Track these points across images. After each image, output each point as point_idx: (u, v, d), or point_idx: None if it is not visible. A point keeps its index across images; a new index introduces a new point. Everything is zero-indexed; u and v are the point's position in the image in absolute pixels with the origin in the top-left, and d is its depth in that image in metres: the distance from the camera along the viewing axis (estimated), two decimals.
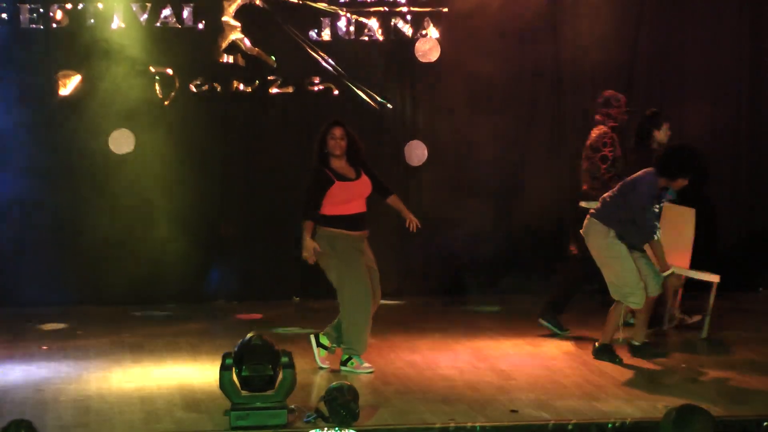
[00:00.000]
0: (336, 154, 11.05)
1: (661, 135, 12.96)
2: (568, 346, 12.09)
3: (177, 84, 14.72)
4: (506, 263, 14.95)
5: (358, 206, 11.04)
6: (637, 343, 11.58)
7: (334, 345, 11.23)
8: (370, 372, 11.02)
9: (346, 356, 11.09)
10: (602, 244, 11.37)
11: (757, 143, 15.32)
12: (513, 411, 9.74)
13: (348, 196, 11.00)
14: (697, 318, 12.78)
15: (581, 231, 11.63)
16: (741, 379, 10.98)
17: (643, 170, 11.51)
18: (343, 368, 11.04)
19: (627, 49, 15.39)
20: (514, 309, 14.10)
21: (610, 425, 9.40)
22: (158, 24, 14.64)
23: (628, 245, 11.32)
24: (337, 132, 11.08)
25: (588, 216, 11.53)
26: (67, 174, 14.10)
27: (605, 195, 11.57)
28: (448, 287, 14.82)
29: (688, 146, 12.00)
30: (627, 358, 11.48)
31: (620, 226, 11.29)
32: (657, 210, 11.37)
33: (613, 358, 11.38)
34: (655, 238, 11.29)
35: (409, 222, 11.23)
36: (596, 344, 11.47)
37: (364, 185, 11.12)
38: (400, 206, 11.31)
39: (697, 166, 11.61)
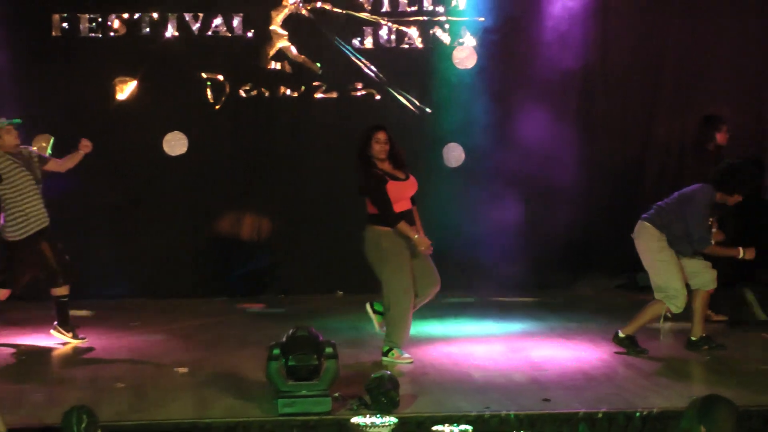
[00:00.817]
0: (380, 158, 11.01)
1: (721, 137, 12.96)
2: (596, 338, 12.05)
3: (227, 89, 14.77)
4: (536, 260, 14.95)
5: (403, 205, 10.99)
6: (694, 338, 11.53)
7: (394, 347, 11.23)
8: (410, 362, 11.00)
9: (387, 347, 11.10)
10: (653, 248, 11.31)
11: None
12: (545, 400, 9.71)
13: (397, 196, 10.94)
14: (722, 318, 12.74)
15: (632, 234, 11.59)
16: (765, 372, 10.96)
17: (700, 184, 11.44)
18: (384, 359, 11.02)
19: (655, 54, 15.33)
20: (543, 303, 14.09)
21: (637, 414, 9.37)
22: (210, 33, 14.70)
23: (676, 251, 11.29)
24: (381, 136, 11.03)
25: (640, 219, 11.48)
26: (124, 174, 14.15)
27: (661, 201, 11.54)
28: (484, 284, 14.80)
29: (748, 164, 11.99)
30: (653, 350, 11.46)
31: (672, 233, 11.26)
32: (710, 222, 11.33)
33: (638, 350, 11.34)
34: (706, 249, 11.33)
35: (421, 245, 11.01)
36: (620, 333, 11.42)
37: (411, 186, 11.08)
38: (417, 224, 11.14)
39: (754, 184, 11.61)
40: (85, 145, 12.10)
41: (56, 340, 11.98)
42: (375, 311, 11.25)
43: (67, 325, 11.94)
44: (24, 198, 11.77)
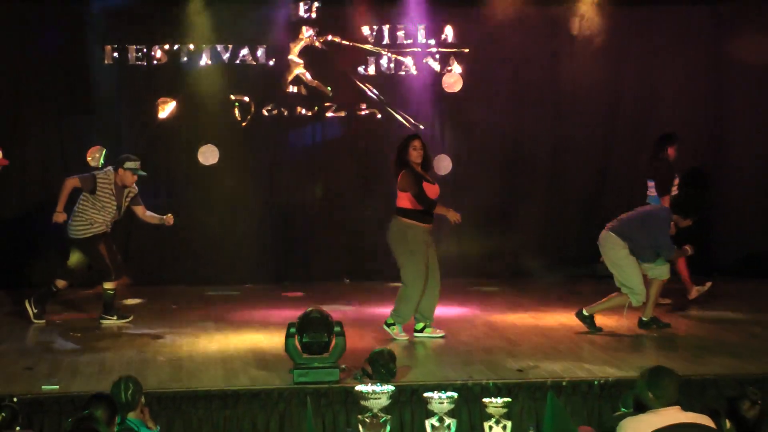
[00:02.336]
0: (417, 162, 10.98)
1: (672, 151, 13.02)
2: (562, 319, 12.03)
3: (252, 109, 14.76)
4: (513, 253, 14.95)
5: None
6: (645, 319, 11.52)
7: (427, 325, 11.19)
8: (405, 340, 10.99)
9: (392, 320, 11.07)
10: (618, 254, 11.34)
11: (720, 159, 15.22)
12: (519, 370, 9.71)
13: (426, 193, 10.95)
14: (667, 301, 12.74)
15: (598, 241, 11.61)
16: (703, 346, 10.95)
17: (660, 207, 11.78)
18: (384, 326, 11.06)
19: (613, 88, 15.34)
20: (518, 289, 14.08)
21: (596, 382, 9.37)
22: (238, 61, 14.68)
23: (638, 256, 11.32)
24: (417, 143, 11.01)
25: (606, 230, 11.49)
26: (167, 182, 14.14)
27: (624, 215, 11.56)
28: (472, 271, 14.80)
29: (702, 194, 12.44)
30: (609, 328, 11.46)
31: (634, 243, 11.29)
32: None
33: (595, 329, 11.35)
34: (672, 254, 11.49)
35: (451, 218, 11.10)
36: (584, 311, 11.42)
37: (436, 189, 11.05)
38: (440, 210, 11.07)
39: (705, 213, 11.86)
40: (169, 220, 11.95)
41: (107, 322, 11.98)
42: (388, 325, 11.19)
43: (112, 310, 11.91)
44: (98, 212, 11.76)
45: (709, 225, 13.47)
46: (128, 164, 11.78)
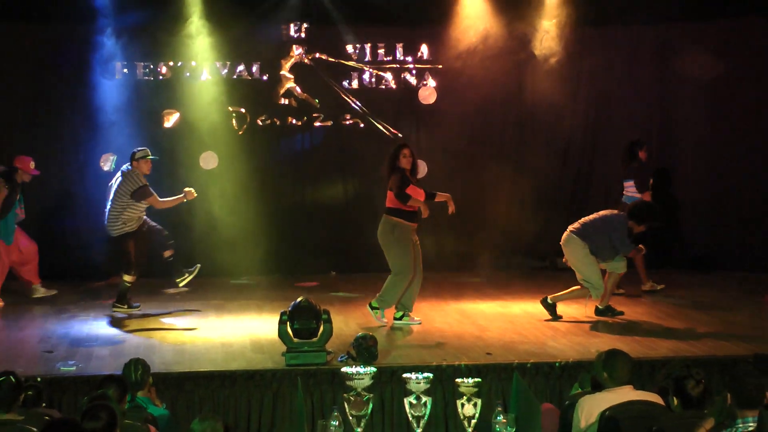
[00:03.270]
0: (406, 168, 10.97)
1: (643, 154, 13.14)
2: (527, 307, 12.04)
3: (248, 119, 14.75)
4: (482, 247, 14.94)
5: (416, 206, 10.94)
6: (601, 307, 11.55)
7: (406, 314, 11.19)
8: (383, 325, 11.00)
9: (376, 304, 11.06)
10: (579, 254, 11.40)
11: (667, 159, 15.27)
12: (488, 354, 9.73)
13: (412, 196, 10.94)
14: (621, 291, 12.77)
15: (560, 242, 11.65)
16: (653, 331, 10.99)
17: (617, 213, 11.69)
18: (369, 308, 11.09)
19: (571, 99, 15.35)
20: (487, 281, 14.08)
21: (557, 364, 9.41)
22: (235, 76, 14.66)
23: (597, 256, 11.37)
24: (407, 151, 11.03)
25: (568, 232, 11.52)
26: (172, 184, 14.09)
27: (585, 219, 11.60)
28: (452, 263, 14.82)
29: (654, 204, 12.39)
30: (568, 316, 11.48)
31: (594, 244, 11.35)
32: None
33: (556, 316, 11.40)
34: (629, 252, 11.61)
35: (449, 203, 11.20)
36: (548, 299, 11.45)
37: (421, 192, 11.02)
38: (442, 196, 11.25)
39: (657, 222, 11.94)
40: (190, 194, 12.03)
41: (120, 310, 11.95)
42: (372, 308, 11.19)
43: (124, 300, 11.89)
44: (135, 211, 11.79)
45: (668, 223, 13.48)
46: (139, 154, 11.84)
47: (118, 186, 11.78)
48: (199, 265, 12.13)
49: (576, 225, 11.57)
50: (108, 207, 11.82)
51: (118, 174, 11.94)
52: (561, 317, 11.37)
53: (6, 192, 12.25)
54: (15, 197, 12.36)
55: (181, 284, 12.12)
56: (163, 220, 12.52)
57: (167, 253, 12.08)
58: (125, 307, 11.92)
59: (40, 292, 12.61)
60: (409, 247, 10.98)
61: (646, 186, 13.04)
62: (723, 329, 10.92)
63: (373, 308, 11.10)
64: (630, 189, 13.08)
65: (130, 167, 11.85)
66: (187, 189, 12.06)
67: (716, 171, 14.86)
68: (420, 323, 11.07)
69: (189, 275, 12.09)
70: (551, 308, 11.43)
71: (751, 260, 14.21)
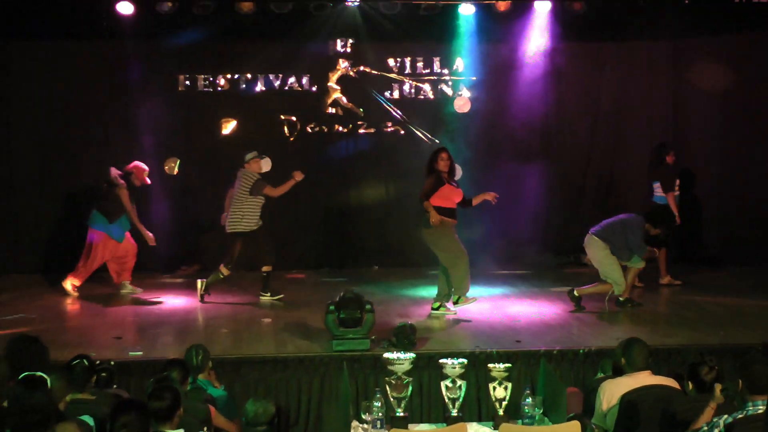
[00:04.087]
0: (443, 170, 10.95)
1: (670, 158, 13.04)
2: (554, 299, 11.99)
3: (298, 126, 14.78)
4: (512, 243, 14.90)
5: (453, 204, 10.92)
6: (622, 299, 11.47)
7: (443, 303, 11.16)
8: (474, 300, 11.01)
9: (456, 297, 11.00)
10: (600, 254, 11.30)
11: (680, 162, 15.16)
12: (517, 341, 9.71)
13: (448, 195, 10.88)
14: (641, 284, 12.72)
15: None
16: (669, 321, 10.93)
17: (635, 216, 11.55)
18: (455, 305, 11.03)
19: (594, 108, 15.27)
20: (516, 274, 14.05)
21: (581, 351, 9.38)
22: (286, 87, 14.71)
23: (617, 256, 11.29)
24: (445, 155, 11.01)
25: (590, 233, 11.44)
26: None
27: (605, 221, 11.51)
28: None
29: (669, 209, 12.60)
30: (591, 307, 11.42)
31: (613, 245, 11.26)
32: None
33: (580, 307, 11.31)
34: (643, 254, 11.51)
35: (491, 198, 11.22)
36: (575, 292, 11.33)
37: (459, 192, 11.00)
38: (478, 198, 11.23)
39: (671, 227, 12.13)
40: (299, 175, 12.09)
41: (183, 299, 12.01)
42: (434, 309, 11.16)
43: (208, 290, 12.01)
44: (256, 204, 12.00)
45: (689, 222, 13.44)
46: (249, 156, 12.06)
47: (237, 188, 11.93)
48: (282, 296, 12.17)
49: (597, 227, 11.51)
50: (231, 209, 11.99)
51: (237, 179, 12.04)
52: (585, 308, 11.31)
53: (128, 193, 12.40)
54: (132, 200, 12.52)
55: (261, 299, 12.15)
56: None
57: (265, 268, 12.13)
58: (268, 294, 12.06)
59: (128, 289, 12.64)
60: (453, 237, 10.93)
61: (671, 187, 12.94)
62: (734, 320, 10.83)
63: (455, 303, 11.03)
64: (658, 190, 13.00)
65: (243, 169, 11.99)
66: (295, 172, 12.06)
67: (726, 175, 14.71)
68: (455, 313, 11.05)
69: (270, 297, 12.12)
70: (577, 300, 11.36)
71: (759, 256, 14.06)
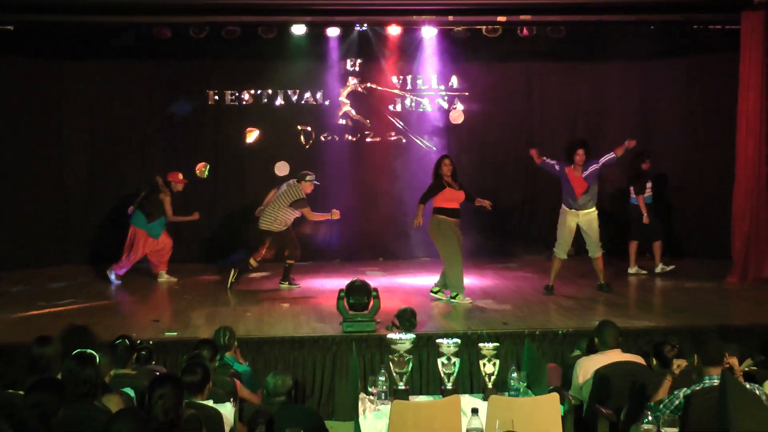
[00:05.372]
0: (447, 174, 10.94)
1: (646, 165, 13.02)
2: (538, 287, 11.99)
3: (313, 136, 14.78)
4: (500, 238, 14.88)
5: (456, 205, 10.90)
6: (600, 283, 11.49)
7: (441, 289, 11.16)
8: (470, 303, 10.87)
9: (455, 294, 10.97)
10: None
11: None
12: (504, 324, 9.73)
13: (451, 198, 10.86)
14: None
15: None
16: (638, 306, 10.93)
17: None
18: (452, 300, 10.93)
19: (570, 120, 15.20)
20: (504, 266, 14.04)
21: (560, 332, 9.40)
22: (303, 102, 14.71)
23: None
24: (448, 161, 11.00)
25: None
26: (255, 186, 14.08)
27: None
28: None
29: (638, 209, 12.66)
30: (571, 292, 11.41)
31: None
32: None
33: (609, 289, 11.42)
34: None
35: (487, 205, 11.15)
36: (601, 281, 11.43)
37: (460, 194, 10.94)
38: (480, 201, 11.14)
39: None
40: (336, 214, 12.09)
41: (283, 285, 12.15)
42: (433, 292, 11.16)
43: (238, 279, 12.08)
44: (290, 214, 11.99)
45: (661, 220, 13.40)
46: (308, 177, 12.01)
47: (281, 194, 11.93)
48: (298, 286, 12.18)
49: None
50: (265, 208, 11.99)
51: (284, 185, 12.04)
52: (611, 288, 11.43)
53: (170, 199, 12.54)
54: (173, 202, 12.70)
55: (281, 286, 12.16)
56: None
57: (289, 261, 12.16)
58: (286, 283, 12.13)
59: (164, 278, 12.71)
60: (453, 239, 10.90)
61: (642, 190, 12.90)
62: (694, 305, 10.85)
63: (453, 297, 10.98)
64: (633, 193, 13.03)
65: (296, 182, 11.98)
66: (334, 210, 12.09)
67: (687, 179, 14.68)
68: (471, 302, 10.96)
69: (288, 286, 12.14)
70: (606, 287, 11.42)
71: (716, 249, 14.00)
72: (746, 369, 6.82)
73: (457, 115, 14.96)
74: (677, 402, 5.79)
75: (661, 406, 5.83)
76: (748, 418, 4.96)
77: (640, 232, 12.94)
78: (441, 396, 6.51)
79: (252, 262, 11.99)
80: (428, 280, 11.86)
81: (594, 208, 11.37)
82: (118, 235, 12.95)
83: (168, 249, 12.75)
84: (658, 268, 12.97)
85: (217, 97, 14.58)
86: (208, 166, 14.11)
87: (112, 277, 12.41)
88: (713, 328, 9.16)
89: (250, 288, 12.22)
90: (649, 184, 13.02)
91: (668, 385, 6.14)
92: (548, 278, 11.57)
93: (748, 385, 5.62)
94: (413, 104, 14.95)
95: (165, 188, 12.59)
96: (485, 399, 6.34)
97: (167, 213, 12.56)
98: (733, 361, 6.08)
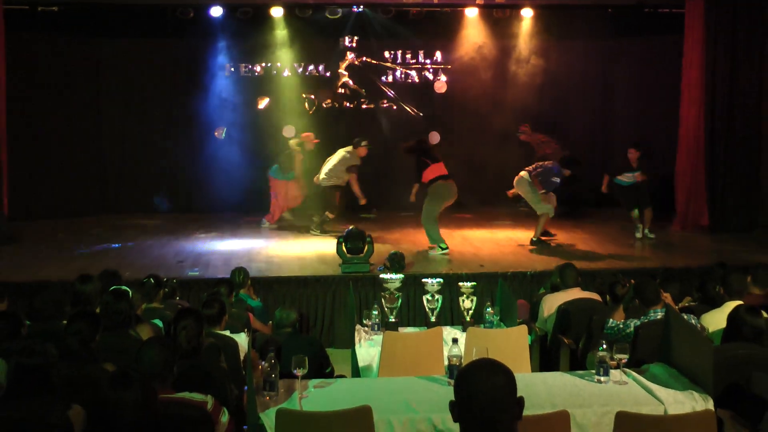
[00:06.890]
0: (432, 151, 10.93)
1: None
2: (510, 234, 12.02)
3: (316, 103, 14.69)
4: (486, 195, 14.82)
5: (440, 170, 10.63)
6: (534, 238, 11.32)
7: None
8: (447, 252, 10.54)
9: (432, 244, 10.79)
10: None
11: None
12: (481, 266, 9.75)
13: (437, 169, 10.64)
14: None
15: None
16: (594, 252, 10.97)
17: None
18: (430, 252, 10.66)
19: (538, 92, 14.73)
20: (482, 217, 14.03)
21: (528, 273, 9.45)
22: (307, 73, 14.59)
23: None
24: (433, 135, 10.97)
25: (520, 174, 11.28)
26: (265, 149, 13.95)
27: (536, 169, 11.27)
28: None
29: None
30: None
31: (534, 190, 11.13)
32: None
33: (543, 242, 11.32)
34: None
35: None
36: (534, 238, 11.20)
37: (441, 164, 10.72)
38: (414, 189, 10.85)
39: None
40: (363, 201, 12.12)
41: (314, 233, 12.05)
42: (430, 248, 10.93)
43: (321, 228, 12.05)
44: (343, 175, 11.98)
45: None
46: (363, 143, 11.98)
47: (341, 158, 11.91)
48: (318, 232, 12.06)
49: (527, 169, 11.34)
50: (328, 172, 11.92)
51: (343, 151, 11.99)
52: (554, 235, 11.44)
53: (302, 157, 12.58)
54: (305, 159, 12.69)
55: (311, 231, 12.07)
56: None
57: (330, 215, 12.12)
58: (318, 231, 12.01)
59: (266, 224, 12.67)
60: (437, 202, 10.60)
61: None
62: (643, 249, 10.90)
63: (431, 248, 10.76)
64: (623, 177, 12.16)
65: (353, 148, 11.94)
66: (363, 199, 12.09)
67: (642, 143, 14.57)
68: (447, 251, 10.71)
69: (315, 232, 12.02)
70: (539, 242, 11.17)
71: (661, 202, 13.88)
72: (686, 305, 6.86)
73: (441, 85, 14.87)
74: (628, 330, 5.84)
75: (615, 326, 5.92)
76: (687, 344, 5.00)
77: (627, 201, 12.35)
78: (426, 328, 6.54)
79: (329, 215, 12.03)
80: (415, 228, 11.87)
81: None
82: (144, 188, 12.87)
83: (292, 200, 12.75)
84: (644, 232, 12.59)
85: (232, 69, 14.43)
86: (224, 129, 14.08)
87: (267, 225, 12.55)
88: (659, 269, 9.20)
89: (260, 234, 12.21)
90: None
91: (620, 318, 6.18)
92: (524, 226, 11.56)
93: (686, 317, 5.66)
94: (402, 76, 14.84)
95: (295, 147, 12.59)
96: (464, 330, 6.38)
97: (297, 167, 12.52)
98: (667, 296, 6.19)
